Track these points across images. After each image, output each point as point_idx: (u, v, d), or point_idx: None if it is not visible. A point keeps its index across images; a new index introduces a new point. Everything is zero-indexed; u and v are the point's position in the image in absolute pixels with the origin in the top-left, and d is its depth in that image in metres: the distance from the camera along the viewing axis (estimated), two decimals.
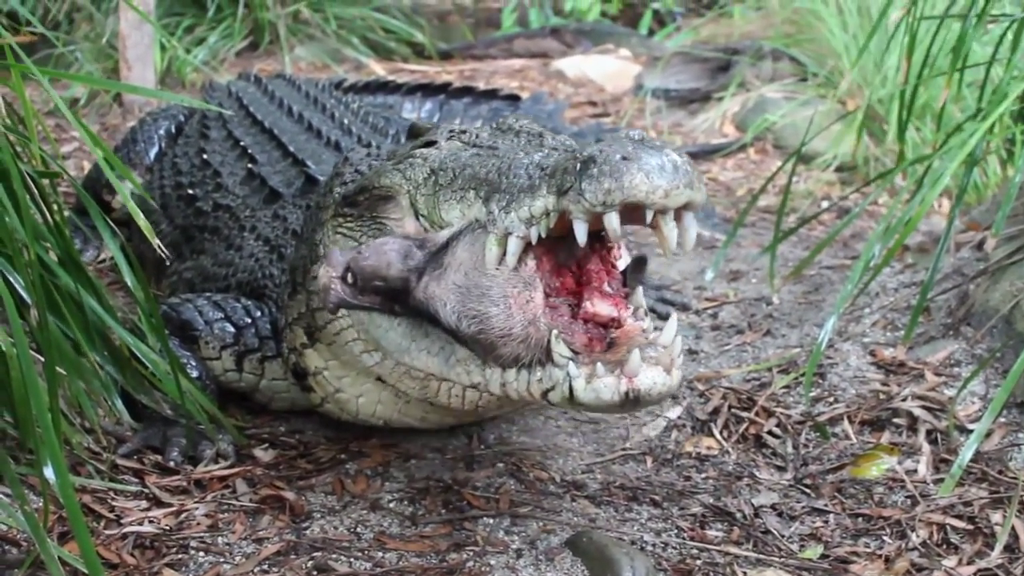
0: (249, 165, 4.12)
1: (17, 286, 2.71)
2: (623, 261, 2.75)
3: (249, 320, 3.49)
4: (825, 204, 6.26)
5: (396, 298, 2.80)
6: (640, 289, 2.74)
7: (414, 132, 3.18)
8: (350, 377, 3.22)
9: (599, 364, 2.51)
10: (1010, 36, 4.35)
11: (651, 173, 2.38)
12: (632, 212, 2.44)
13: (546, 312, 2.61)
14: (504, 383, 2.64)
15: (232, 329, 3.47)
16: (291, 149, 4.11)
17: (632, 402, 2.51)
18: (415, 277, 2.77)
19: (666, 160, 2.39)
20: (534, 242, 2.58)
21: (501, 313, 2.63)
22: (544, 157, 2.64)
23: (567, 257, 2.70)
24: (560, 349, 2.54)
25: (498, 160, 2.72)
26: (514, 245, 2.59)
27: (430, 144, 2.98)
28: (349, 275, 2.81)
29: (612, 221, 2.42)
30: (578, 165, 2.43)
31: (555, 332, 2.56)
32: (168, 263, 4.14)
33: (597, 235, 2.61)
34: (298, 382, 3.38)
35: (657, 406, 3.69)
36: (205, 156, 4.36)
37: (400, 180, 2.91)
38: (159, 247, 2.95)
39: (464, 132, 3.03)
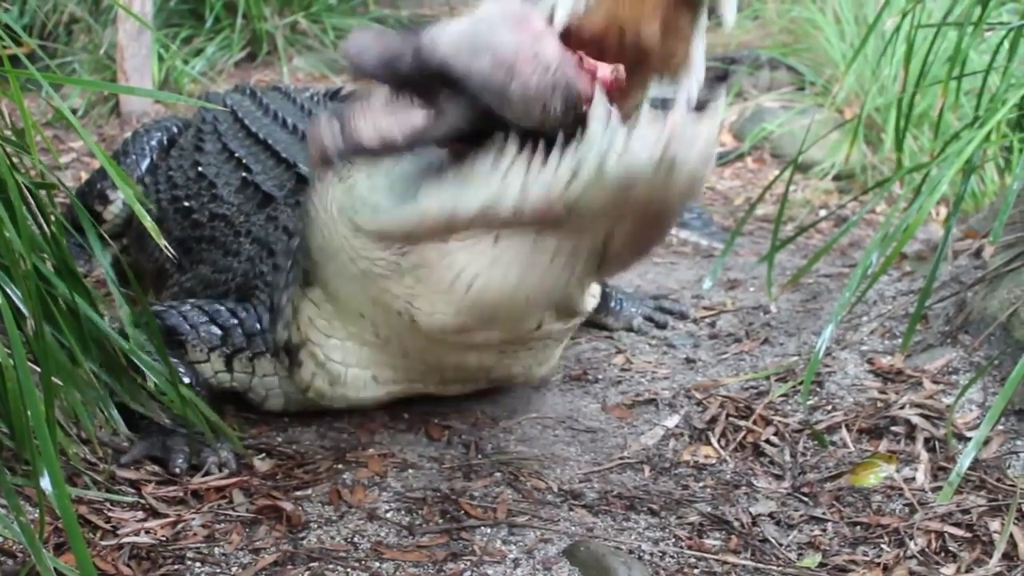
0: (243, 175, 4.14)
1: (14, 297, 2.71)
2: None
3: (235, 320, 3.52)
4: (823, 213, 6.27)
5: (410, 79, 2.57)
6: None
7: None
8: (339, 320, 3.28)
9: (644, 106, 2.36)
10: (1007, 44, 4.36)
11: None
12: None
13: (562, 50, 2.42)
14: (524, 184, 2.48)
15: (218, 331, 3.51)
16: (284, 156, 4.14)
17: (668, 161, 2.33)
18: (415, 39, 2.55)
19: None
20: (581, 9, 2.41)
21: (510, 38, 2.41)
22: None
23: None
24: (601, 99, 2.37)
25: None
26: (562, 12, 2.41)
27: None
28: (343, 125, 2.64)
29: None
30: None
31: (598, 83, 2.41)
32: (169, 273, 4.18)
33: None
34: (288, 359, 3.42)
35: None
36: (200, 168, 4.38)
37: None
38: (166, 247, 2.96)
39: None
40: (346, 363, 3.37)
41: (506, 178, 2.52)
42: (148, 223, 2.85)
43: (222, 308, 3.55)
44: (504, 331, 3.18)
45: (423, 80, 2.56)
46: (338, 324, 3.33)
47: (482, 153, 2.59)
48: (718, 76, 8.33)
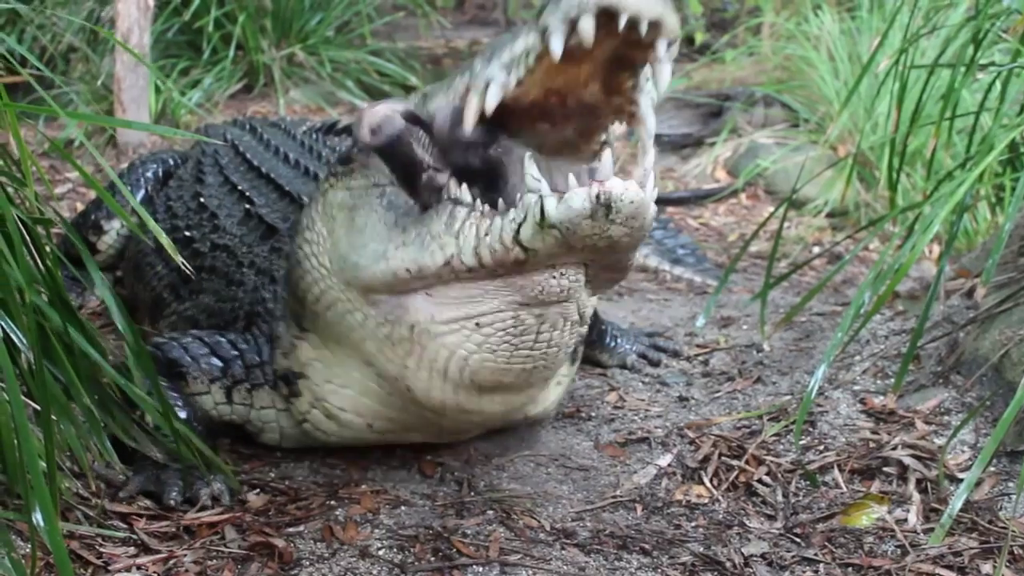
0: (247, 206, 4.16)
1: (8, 330, 2.71)
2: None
3: (235, 352, 3.54)
4: (816, 250, 6.29)
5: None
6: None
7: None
8: (338, 364, 3.31)
9: (571, 175, 2.59)
10: (999, 85, 4.39)
11: None
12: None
13: None
14: (477, 246, 2.71)
15: (219, 362, 3.52)
16: (287, 189, 4.17)
17: (604, 207, 2.54)
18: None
19: None
20: (512, 85, 2.62)
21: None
22: None
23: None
24: (532, 170, 2.61)
25: None
26: (494, 91, 2.63)
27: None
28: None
29: (586, 23, 2.46)
30: None
31: (528, 153, 2.64)
32: (167, 302, 4.19)
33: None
34: (287, 388, 3.45)
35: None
36: (202, 200, 4.40)
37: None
38: (183, 263, 3.01)
39: None
40: (343, 387, 3.36)
41: (460, 237, 2.76)
42: (164, 240, 2.88)
43: (223, 340, 3.56)
44: (503, 405, 3.31)
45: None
46: (335, 361, 3.34)
47: (436, 213, 2.84)
48: (712, 112, 8.38)
